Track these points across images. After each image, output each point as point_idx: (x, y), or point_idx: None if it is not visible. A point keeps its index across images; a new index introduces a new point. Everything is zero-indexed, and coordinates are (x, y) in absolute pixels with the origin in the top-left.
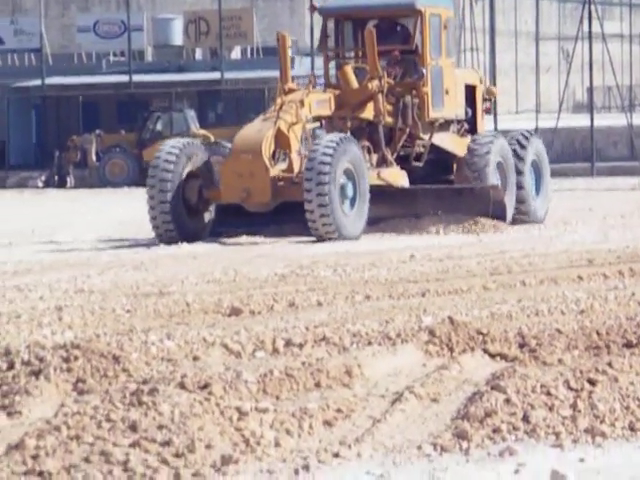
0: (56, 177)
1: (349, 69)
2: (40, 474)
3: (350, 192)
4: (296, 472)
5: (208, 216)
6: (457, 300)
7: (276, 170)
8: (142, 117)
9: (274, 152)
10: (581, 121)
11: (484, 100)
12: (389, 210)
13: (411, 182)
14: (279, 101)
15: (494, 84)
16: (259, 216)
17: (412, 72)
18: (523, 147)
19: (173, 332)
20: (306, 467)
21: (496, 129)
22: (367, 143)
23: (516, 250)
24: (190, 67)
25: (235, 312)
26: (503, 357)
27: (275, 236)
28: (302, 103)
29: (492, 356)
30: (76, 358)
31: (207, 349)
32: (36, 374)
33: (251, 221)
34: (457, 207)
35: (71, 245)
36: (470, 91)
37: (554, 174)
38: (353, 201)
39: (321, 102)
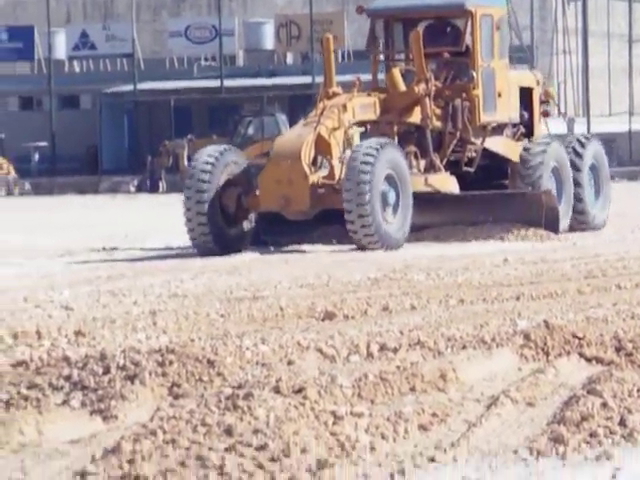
0: (148, 182)
1: (396, 72)
2: (136, 478)
3: (392, 199)
4: (391, 476)
5: (248, 225)
6: (552, 304)
7: (316, 177)
8: (233, 122)
9: (315, 158)
10: None
11: (542, 103)
12: (437, 217)
13: (464, 188)
14: (321, 105)
15: (586, 86)
16: (305, 223)
17: (463, 75)
18: (579, 155)
19: (267, 336)
20: (401, 471)
21: (589, 131)
22: (414, 148)
23: (610, 253)
24: (281, 71)
25: (329, 316)
26: (599, 361)
27: (321, 243)
28: (345, 107)
29: (588, 360)
30: (171, 363)
31: (301, 353)
32: (131, 378)
33: (298, 228)
34: (508, 214)
35: (164, 250)
36: (526, 94)
37: None
38: (396, 208)
39: (365, 106)
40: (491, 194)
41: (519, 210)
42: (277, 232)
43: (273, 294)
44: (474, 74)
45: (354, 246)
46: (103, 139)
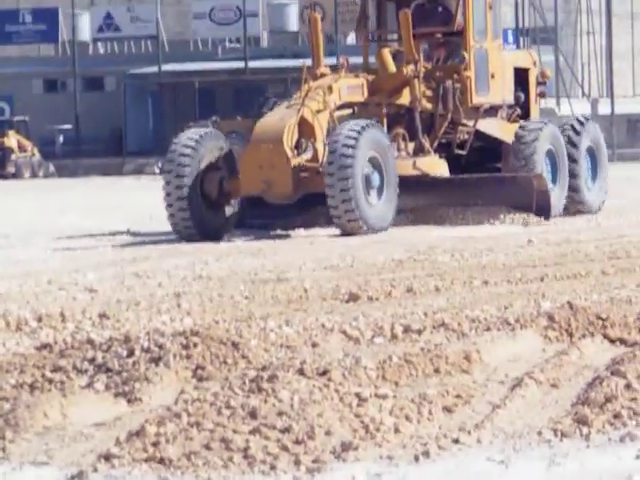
0: None
1: (386, 52)
2: (161, 461)
3: (376, 182)
4: (416, 458)
5: (230, 210)
6: (576, 285)
7: (298, 160)
8: (258, 103)
9: (299, 142)
10: None
11: (538, 84)
12: (426, 200)
13: (457, 171)
14: (306, 87)
15: (610, 67)
16: (292, 206)
17: (455, 55)
18: (578, 133)
19: (291, 318)
20: (426, 453)
21: (613, 112)
22: (402, 131)
23: (635, 234)
24: (306, 52)
25: (353, 298)
26: (623, 342)
27: (307, 227)
28: (330, 89)
29: (612, 341)
30: (195, 345)
31: (326, 335)
32: (156, 361)
33: (285, 212)
34: (498, 197)
35: None
36: (522, 74)
37: None
38: (380, 191)
39: (352, 88)
40: (481, 177)
41: (510, 194)
42: (263, 216)
43: (297, 276)
44: (465, 55)
45: (339, 230)
46: (127, 121)
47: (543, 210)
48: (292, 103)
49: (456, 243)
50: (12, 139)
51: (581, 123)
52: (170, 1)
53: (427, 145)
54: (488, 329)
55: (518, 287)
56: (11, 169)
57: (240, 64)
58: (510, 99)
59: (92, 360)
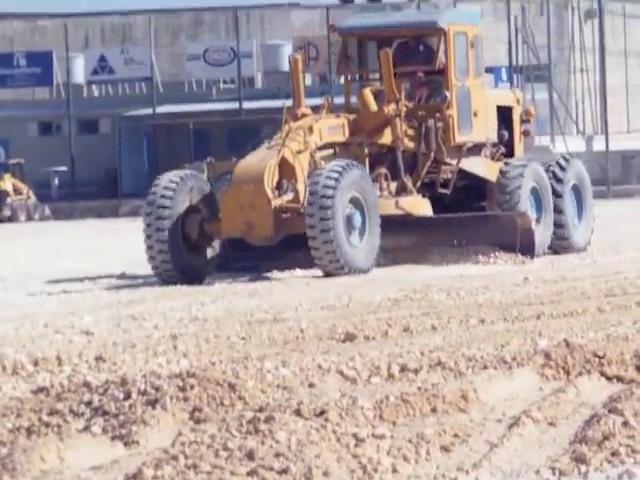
0: None
1: (367, 92)
2: None
3: (358, 223)
4: None
5: (211, 252)
6: (572, 322)
7: (280, 201)
8: (253, 143)
9: (280, 182)
10: None
11: (522, 122)
12: (409, 240)
13: (442, 210)
14: (286, 128)
15: (604, 104)
16: (275, 248)
17: (438, 94)
18: (559, 179)
19: (288, 359)
20: None
21: (607, 149)
22: (385, 170)
23: (631, 271)
24: None
25: (349, 338)
26: (620, 379)
27: (290, 269)
28: (311, 129)
29: (609, 379)
30: (192, 387)
31: (322, 376)
32: (152, 403)
33: (268, 254)
34: (482, 237)
35: None
36: (506, 113)
37: None
38: (362, 232)
39: (333, 128)
40: (464, 216)
41: (493, 232)
42: (246, 258)
43: (294, 316)
44: (447, 93)
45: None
46: (122, 163)
47: (527, 248)
48: (273, 144)
49: (452, 282)
50: (7, 182)
51: (562, 167)
52: (164, 43)
53: (410, 184)
54: (485, 368)
55: (514, 325)
56: (7, 212)
57: (234, 105)
58: (493, 137)
59: (89, 403)
